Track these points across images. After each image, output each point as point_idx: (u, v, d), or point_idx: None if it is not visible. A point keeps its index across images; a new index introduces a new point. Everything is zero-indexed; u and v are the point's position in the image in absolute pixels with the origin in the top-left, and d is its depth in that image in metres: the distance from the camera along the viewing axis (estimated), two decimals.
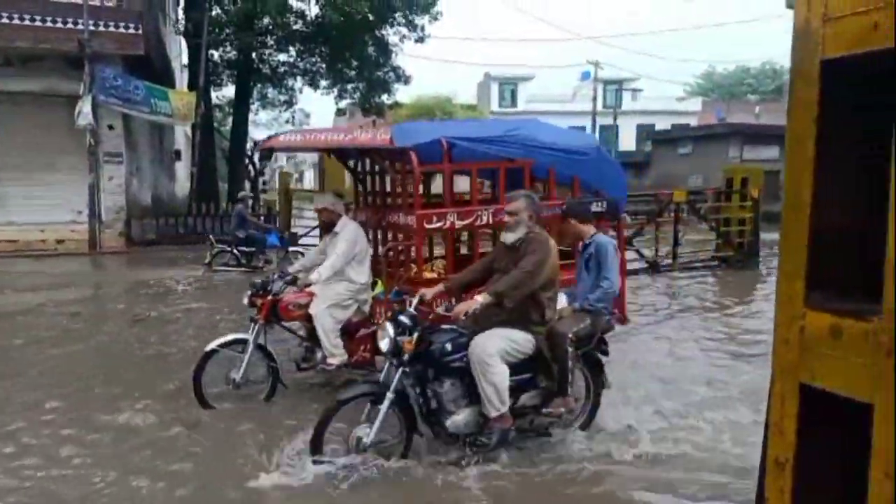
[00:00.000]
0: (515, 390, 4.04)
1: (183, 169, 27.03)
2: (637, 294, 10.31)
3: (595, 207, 5.53)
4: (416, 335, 3.82)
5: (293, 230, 16.45)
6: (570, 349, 4.06)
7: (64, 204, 14.75)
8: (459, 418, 3.93)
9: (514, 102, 46.05)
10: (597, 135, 37.57)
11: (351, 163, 6.50)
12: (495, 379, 3.85)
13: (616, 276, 4.55)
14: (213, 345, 4.96)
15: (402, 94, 26.92)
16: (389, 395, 3.81)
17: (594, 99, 36.70)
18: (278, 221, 16.68)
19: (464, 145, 5.37)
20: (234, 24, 20.85)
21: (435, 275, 5.54)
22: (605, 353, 4.63)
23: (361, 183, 6.53)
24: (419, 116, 31.69)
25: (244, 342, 4.99)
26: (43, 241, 14.54)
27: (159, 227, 16.19)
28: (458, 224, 5.34)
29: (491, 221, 5.42)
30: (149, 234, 15.80)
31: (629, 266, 12.69)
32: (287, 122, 36.29)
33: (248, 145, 25.88)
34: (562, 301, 4.53)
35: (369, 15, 20.70)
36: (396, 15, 22.62)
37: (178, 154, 25.30)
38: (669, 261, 13.12)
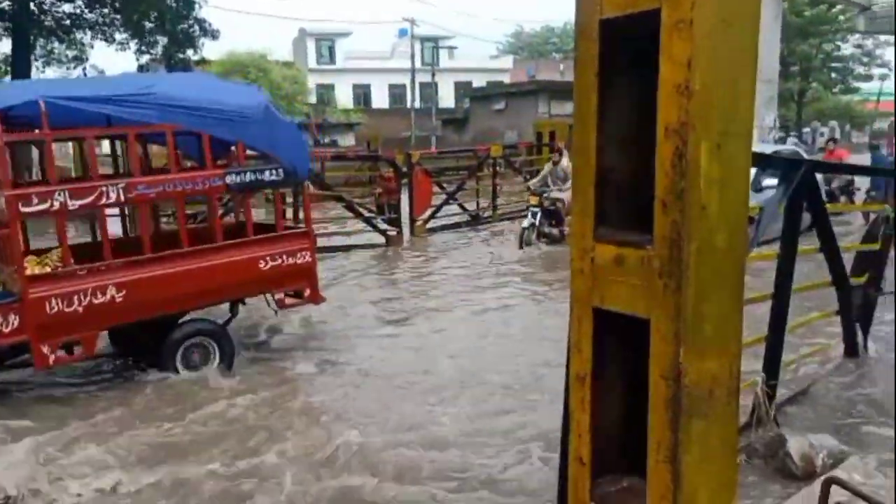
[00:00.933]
0: None
1: None
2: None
3: (268, 176, 5.39)
4: None
5: None
6: None
7: None
8: None
9: (332, 59, 45.04)
10: (417, 92, 38.02)
11: None
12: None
13: None
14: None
15: (212, 50, 25.28)
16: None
17: (412, 56, 36.92)
18: None
19: (75, 107, 4.59)
20: None
21: (48, 269, 4.90)
22: None
23: None
24: (232, 73, 29.90)
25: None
26: None
27: None
28: (74, 205, 4.62)
29: (123, 199, 4.84)
30: None
31: (452, 220, 13.24)
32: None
33: None
34: None
35: None
36: None
37: None
38: (490, 213, 13.86)
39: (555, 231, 10.79)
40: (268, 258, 5.56)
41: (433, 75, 36.97)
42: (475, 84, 43.25)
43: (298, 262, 5.75)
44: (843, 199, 11.51)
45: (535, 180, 11.60)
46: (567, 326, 2.12)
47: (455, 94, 45.54)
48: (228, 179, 5.28)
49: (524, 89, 30.22)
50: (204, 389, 5.21)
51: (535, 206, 10.83)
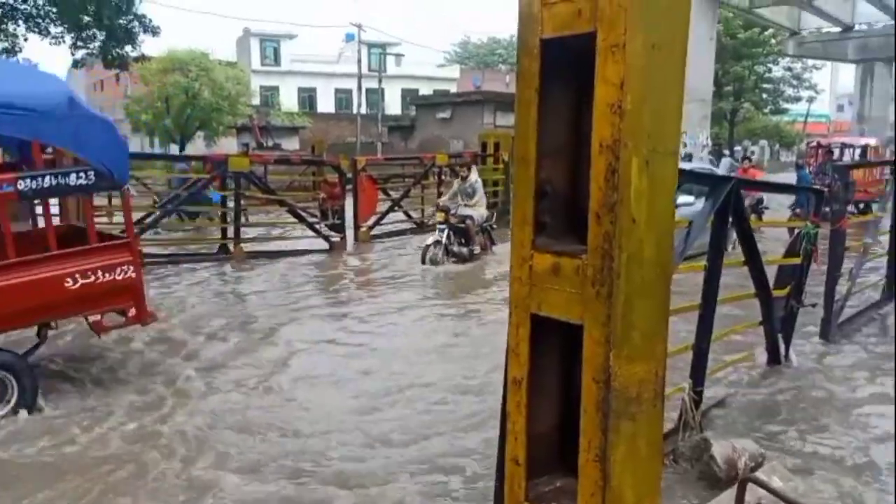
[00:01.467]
0: None
1: None
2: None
3: (75, 180, 4.68)
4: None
5: None
6: None
7: None
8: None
9: (277, 61, 44.46)
10: (364, 98, 37.90)
11: None
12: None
13: None
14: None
15: (152, 46, 24.59)
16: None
17: (359, 61, 36.80)
18: None
19: None
20: None
21: None
22: None
23: None
24: (172, 71, 29.18)
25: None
26: None
27: None
28: None
29: None
30: None
31: (397, 226, 13.27)
32: None
33: None
34: None
35: None
36: None
37: None
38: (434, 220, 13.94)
39: (464, 250, 10.28)
40: (77, 275, 4.72)
41: (380, 81, 36.92)
42: (422, 92, 43.44)
43: (119, 277, 4.92)
44: (752, 216, 12.17)
45: (444, 197, 11.13)
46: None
47: (402, 102, 45.60)
48: (21, 185, 4.47)
49: (470, 99, 30.51)
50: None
51: (441, 222, 10.29)
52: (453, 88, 44.79)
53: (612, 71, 1.77)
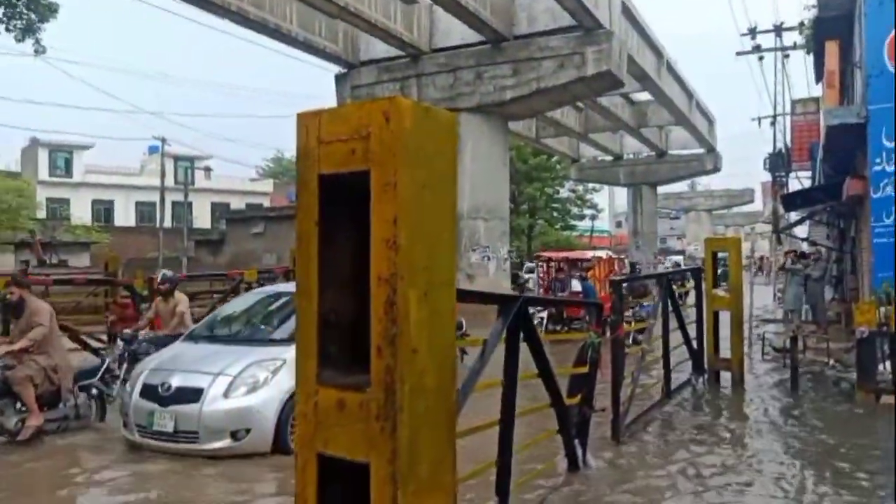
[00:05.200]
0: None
1: None
2: None
3: None
4: None
5: None
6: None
7: None
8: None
9: (68, 172, 41.31)
10: (168, 211, 36.16)
11: None
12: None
13: None
14: None
15: None
16: None
17: (162, 175, 35.31)
18: None
19: None
20: None
21: None
22: None
23: None
24: None
25: None
26: None
27: None
28: None
29: None
30: None
31: None
32: None
33: None
34: None
35: None
36: None
37: None
38: None
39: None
40: None
41: (186, 195, 35.55)
42: (234, 206, 42.46)
43: None
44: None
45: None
46: None
47: (212, 215, 44.12)
48: None
49: (284, 213, 30.34)
50: None
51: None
52: (266, 203, 44.36)
53: (386, 208, 1.83)
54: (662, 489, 5.28)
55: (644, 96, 28.69)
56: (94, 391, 6.52)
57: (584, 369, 5.58)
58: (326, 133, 1.95)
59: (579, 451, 5.61)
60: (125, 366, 7.13)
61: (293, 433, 5.62)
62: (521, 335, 4.34)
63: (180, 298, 8.39)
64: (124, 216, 42.32)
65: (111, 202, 42.52)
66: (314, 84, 30.49)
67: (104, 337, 11.04)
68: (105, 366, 6.70)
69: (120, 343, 7.73)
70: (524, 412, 4.63)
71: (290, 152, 66.97)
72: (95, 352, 9.95)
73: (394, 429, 1.84)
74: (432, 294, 1.92)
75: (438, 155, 1.94)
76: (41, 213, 34.39)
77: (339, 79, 20.91)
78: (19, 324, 6.20)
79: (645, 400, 7.61)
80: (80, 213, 38.92)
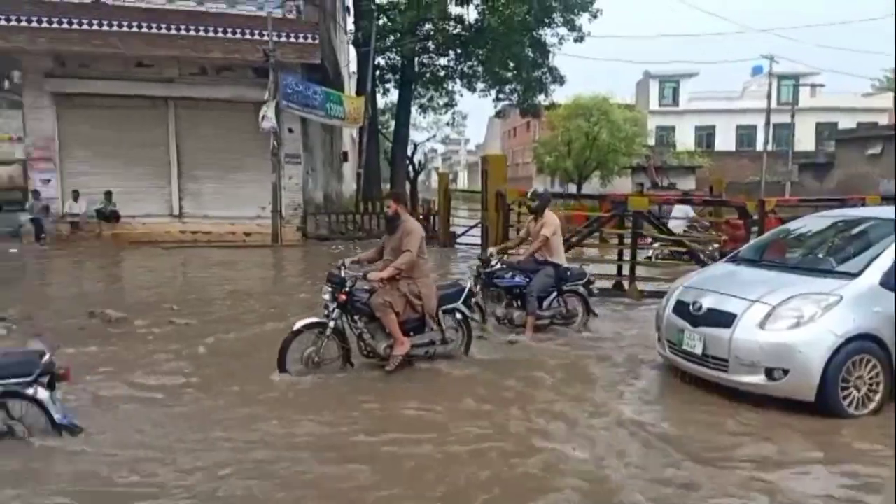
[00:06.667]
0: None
1: (349, 169, 28.67)
2: None
3: None
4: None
5: (451, 228, 16.91)
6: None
7: (249, 201, 16.20)
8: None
9: (675, 101, 44.06)
10: (770, 134, 34.98)
11: None
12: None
13: None
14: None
15: (559, 94, 26.70)
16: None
17: (769, 95, 33.98)
18: (437, 220, 17.20)
19: None
20: (399, 32, 21.78)
21: None
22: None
23: None
24: (576, 117, 31.18)
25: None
26: (233, 234, 16.08)
27: (331, 224, 17.29)
28: None
29: None
30: (321, 229, 16.91)
31: None
32: (448, 124, 37.39)
33: (409, 147, 26.87)
34: None
35: (527, 17, 20.75)
36: (554, 15, 22.48)
37: (345, 156, 26.87)
38: None
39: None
40: None
41: (793, 115, 33.40)
42: (842, 125, 38.03)
43: None
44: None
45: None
46: None
47: (815, 136, 40.70)
48: None
49: None
50: None
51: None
52: (883, 120, 38.17)
53: None
54: None
55: None
56: (458, 315, 6.22)
57: None
58: None
59: None
60: (479, 289, 6.91)
61: (846, 393, 4.73)
62: None
63: (548, 219, 7.43)
64: (724, 140, 42.93)
65: (712, 127, 43.59)
66: None
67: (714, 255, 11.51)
68: (468, 289, 6.34)
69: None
70: None
71: None
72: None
73: None
74: None
75: None
76: (651, 141, 37.84)
77: None
78: (392, 240, 6.03)
79: None
80: (684, 138, 41.31)
